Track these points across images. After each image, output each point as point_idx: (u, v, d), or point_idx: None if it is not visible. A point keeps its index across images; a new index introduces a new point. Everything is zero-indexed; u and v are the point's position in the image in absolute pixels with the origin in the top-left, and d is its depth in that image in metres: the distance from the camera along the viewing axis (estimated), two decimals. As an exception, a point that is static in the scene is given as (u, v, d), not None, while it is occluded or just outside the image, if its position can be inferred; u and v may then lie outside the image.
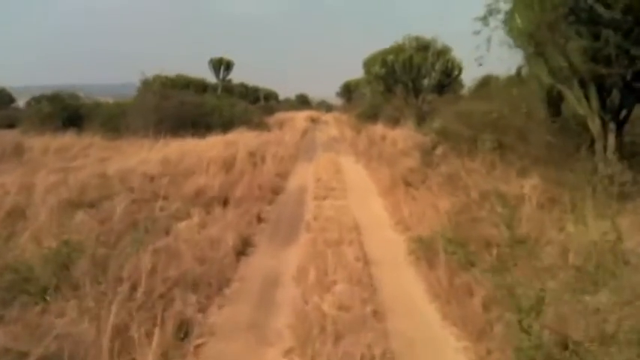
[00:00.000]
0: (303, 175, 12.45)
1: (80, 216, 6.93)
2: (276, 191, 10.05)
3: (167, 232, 6.82)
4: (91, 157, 15.35)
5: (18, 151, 16.63)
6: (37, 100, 34.86)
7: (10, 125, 29.29)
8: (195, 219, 7.18)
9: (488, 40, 8.84)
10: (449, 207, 7.33)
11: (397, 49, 26.56)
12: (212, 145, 15.54)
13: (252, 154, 14.50)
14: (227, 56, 44.10)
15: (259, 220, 7.64)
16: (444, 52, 26.47)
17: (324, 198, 9.37)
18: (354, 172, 13.11)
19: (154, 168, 10.60)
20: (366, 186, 11.06)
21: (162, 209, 7.82)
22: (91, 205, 7.76)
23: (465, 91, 28.73)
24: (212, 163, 11.79)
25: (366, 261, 5.66)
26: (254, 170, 11.85)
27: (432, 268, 5.34)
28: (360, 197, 9.73)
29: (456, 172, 10.26)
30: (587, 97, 8.53)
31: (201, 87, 41.26)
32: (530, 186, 7.75)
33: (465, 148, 11.68)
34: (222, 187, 8.93)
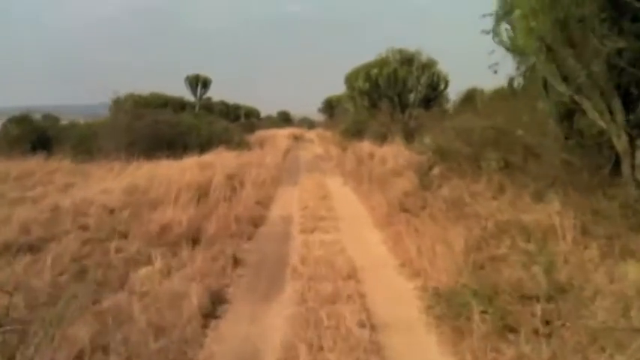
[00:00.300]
0: (287, 202, 11.17)
1: (13, 265, 5.62)
2: (257, 223, 8.75)
3: (122, 284, 5.54)
4: (55, 183, 13.96)
5: (-26, 179, 15.18)
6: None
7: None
8: (158, 264, 5.89)
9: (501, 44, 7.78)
10: (461, 242, 6.15)
11: (381, 63, 25.60)
12: (187, 168, 14.25)
13: (230, 178, 13.24)
14: (204, 73, 42.85)
15: (235, 263, 6.31)
16: (429, 65, 25.57)
17: (312, 231, 8.10)
18: (343, 196, 11.87)
19: (117, 198, 9.29)
20: (358, 213, 9.82)
21: (119, 251, 6.53)
22: (32, 247, 6.46)
23: (449, 106, 27.97)
24: (184, 190, 10.50)
25: (371, 326, 4.38)
26: (232, 197, 10.58)
27: (459, 336, 4.09)
28: (354, 228, 8.46)
29: (460, 196, 9.11)
30: (610, 110, 7.45)
31: (180, 105, 40.12)
32: (554, 214, 6.60)
33: (466, 169, 10.55)
34: (192, 221, 7.64)
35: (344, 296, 4.87)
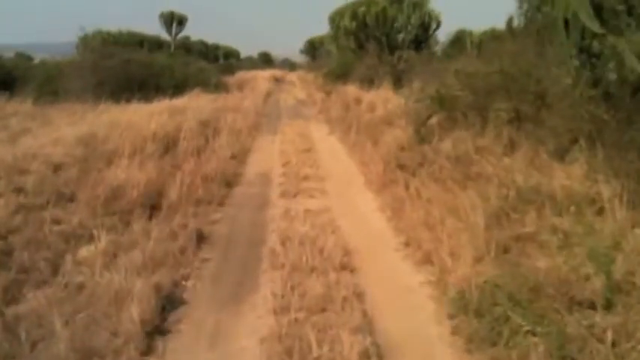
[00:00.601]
0: (267, 155, 9.88)
1: None
2: (230, 182, 7.46)
3: (53, 271, 4.35)
4: (8, 130, 12.56)
5: None
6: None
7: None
8: (102, 243, 4.68)
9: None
10: (476, 215, 5.01)
11: (369, 1, 23.91)
12: (156, 113, 12.86)
13: (203, 125, 11.93)
14: (179, 10, 40.51)
15: (200, 241, 5.08)
16: (420, 4, 23.95)
17: (295, 195, 6.83)
18: (330, 148, 10.61)
19: (67, 150, 7.97)
20: (347, 170, 8.60)
21: (56, 222, 5.30)
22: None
23: (437, 49, 26.58)
24: (149, 141, 9.21)
25: (379, 354, 3.24)
26: (204, 149, 9.31)
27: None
28: (344, 191, 7.23)
29: (465, 151, 7.93)
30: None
31: (156, 45, 38.11)
32: (589, 179, 5.48)
33: (470, 119, 9.33)
34: (153, 182, 6.37)
35: (338, 299, 3.68)
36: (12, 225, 5.07)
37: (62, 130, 10.76)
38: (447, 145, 8.55)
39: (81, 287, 4.01)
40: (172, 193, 6.17)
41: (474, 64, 11.12)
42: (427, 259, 4.55)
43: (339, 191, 7.18)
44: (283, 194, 6.87)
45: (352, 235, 5.23)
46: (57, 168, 7.09)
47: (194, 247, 4.81)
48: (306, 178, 7.69)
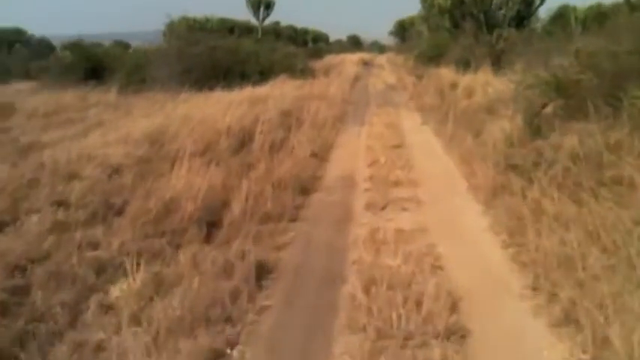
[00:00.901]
0: (351, 152, 8.63)
1: None
2: (307, 189, 6.26)
3: (73, 320, 3.41)
4: (85, 122, 12.11)
5: (4, 112, 13.57)
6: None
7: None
8: (137, 281, 3.70)
9: None
10: (632, 241, 3.63)
11: (466, -25, 22.01)
12: (236, 103, 12.00)
13: (285, 115, 10.92)
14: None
15: (260, 275, 4.01)
16: (522, -24, 21.81)
17: (383, 207, 5.56)
18: (424, 143, 9.23)
19: (130, 149, 7.18)
20: (446, 172, 7.23)
21: (93, 246, 4.39)
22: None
23: (537, 25, 24.33)
24: (223, 135, 8.30)
25: None
26: (282, 144, 8.28)
27: None
28: (443, 202, 5.82)
29: (593, 149, 6.41)
30: None
31: (246, 30, 37.83)
32: None
33: (595, 108, 7.71)
34: (213, 192, 5.37)
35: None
36: (40, 250, 4.21)
37: (137, 123, 10.09)
38: (568, 141, 7.01)
39: (98, 349, 3.04)
40: (236, 206, 5.12)
41: (596, 42, 9.36)
42: (568, 318, 3.22)
43: (438, 201, 5.83)
44: (369, 205, 5.62)
45: (459, 274, 3.93)
46: (114, 172, 6.26)
47: (251, 288, 3.72)
48: (396, 183, 6.40)
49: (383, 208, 5.50)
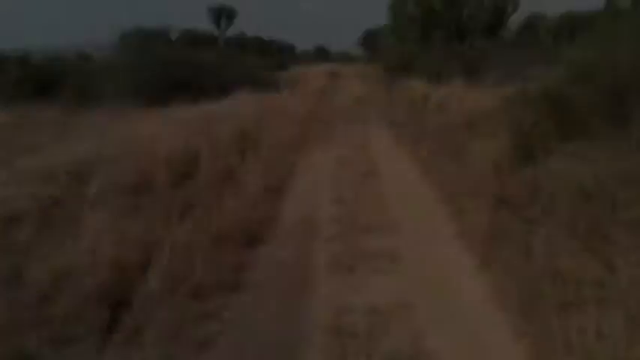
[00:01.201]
0: (314, 184, 7.35)
1: None
2: (254, 240, 4.89)
3: None
4: (10, 147, 10.60)
5: None
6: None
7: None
8: None
9: None
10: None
11: (435, -16, 21.17)
12: (189, 122, 10.75)
13: (241, 135, 9.67)
14: (229, 4, 38.77)
15: None
16: (493, -15, 21.06)
17: (351, 267, 4.21)
18: (398, 170, 7.98)
19: (44, 186, 5.83)
20: (429, 210, 5.94)
21: None
22: None
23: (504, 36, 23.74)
24: (161, 166, 6.99)
25: None
26: (231, 175, 7.03)
27: None
28: (428, 258, 4.49)
29: (601, 181, 5.29)
30: None
31: (210, 41, 36.72)
32: None
33: (594, 126, 6.63)
34: (129, 254, 4.06)
35: None
36: None
37: (68, 147, 8.69)
38: (568, 167, 5.90)
39: None
40: (155, 273, 3.81)
41: (588, 51, 8.31)
42: None
43: (421, 256, 4.53)
44: (332, 266, 4.27)
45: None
46: (10, 222, 4.89)
47: None
48: (367, 228, 5.10)
49: (351, 270, 4.19)
